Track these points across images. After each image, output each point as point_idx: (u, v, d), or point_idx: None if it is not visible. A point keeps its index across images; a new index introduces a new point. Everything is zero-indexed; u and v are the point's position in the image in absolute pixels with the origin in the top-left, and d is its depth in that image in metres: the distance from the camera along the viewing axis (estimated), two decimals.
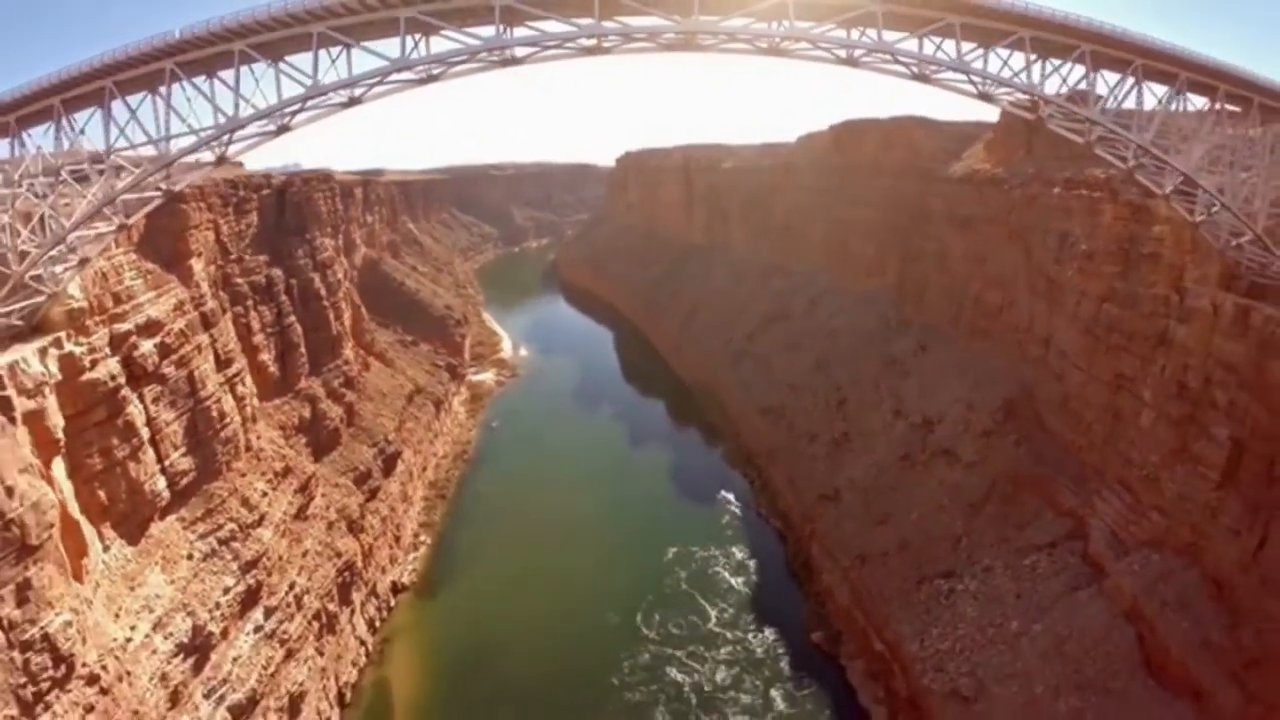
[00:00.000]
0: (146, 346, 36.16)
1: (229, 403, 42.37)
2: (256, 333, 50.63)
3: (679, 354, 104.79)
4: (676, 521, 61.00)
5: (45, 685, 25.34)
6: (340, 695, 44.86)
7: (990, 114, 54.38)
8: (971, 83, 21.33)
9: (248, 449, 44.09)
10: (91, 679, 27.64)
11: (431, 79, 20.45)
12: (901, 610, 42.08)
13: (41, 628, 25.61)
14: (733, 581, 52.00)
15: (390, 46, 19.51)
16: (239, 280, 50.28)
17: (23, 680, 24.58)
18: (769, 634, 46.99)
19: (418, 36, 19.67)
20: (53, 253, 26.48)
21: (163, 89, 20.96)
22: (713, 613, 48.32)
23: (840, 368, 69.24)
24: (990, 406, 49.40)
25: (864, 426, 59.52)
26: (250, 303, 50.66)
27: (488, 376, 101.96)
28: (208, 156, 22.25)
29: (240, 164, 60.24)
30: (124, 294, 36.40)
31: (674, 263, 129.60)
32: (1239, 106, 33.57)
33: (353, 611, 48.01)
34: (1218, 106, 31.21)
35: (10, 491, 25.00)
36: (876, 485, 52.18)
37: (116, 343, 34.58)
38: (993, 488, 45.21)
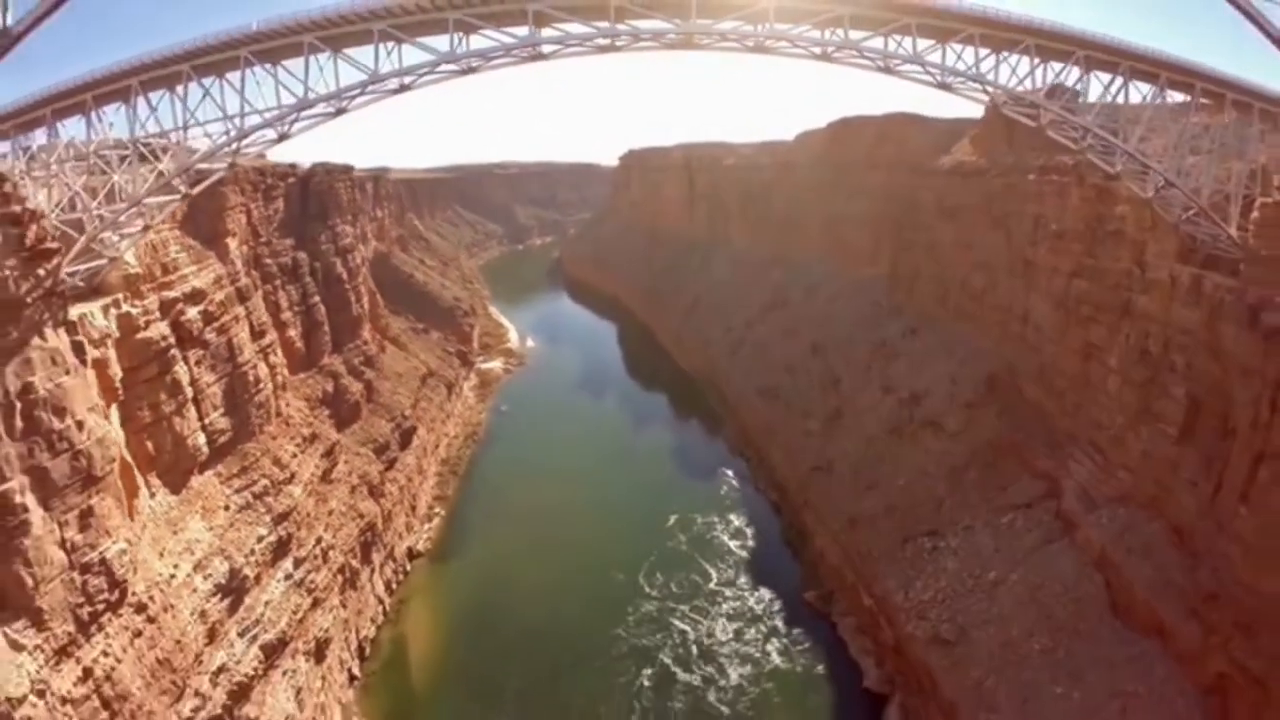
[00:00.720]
0: (192, 313, 39.37)
1: (263, 370, 45.52)
2: (284, 310, 53.83)
3: (681, 344, 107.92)
4: (677, 494, 64.08)
5: (100, 607, 28.27)
6: (360, 648, 47.87)
7: (976, 110, 57.64)
8: (929, 74, 24.46)
9: (278, 415, 47.23)
10: (140, 607, 30.66)
11: (471, 70, 23.60)
12: (888, 567, 45.01)
13: (100, 553, 28.64)
14: (731, 545, 55.07)
15: (436, 42, 22.81)
16: (268, 261, 53.51)
17: (81, 600, 27.55)
18: (765, 593, 49.97)
19: (460, 35, 22.87)
20: (121, 219, 29.65)
21: (234, 74, 24.16)
22: (713, 573, 51.36)
23: (834, 351, 72.29)
24: (974, 381, 52.43)
25: (856, 404, 62.53)
26: (279, 282, 53.87)
27: (495, 365, 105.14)
28: (270, 135, 25.44)
29: (263, 155, 63.64)
30: (170, 265, 39.62)
31: (676, 257, 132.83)
32: (1210, 100, 36.69)
33: (373, 571, 51.05)
34: (1187, 98, 34.32)
35: (80, 425, 28.13)
36: (866, 456, 55.17)
37: (165, 308, 37.76)
38: (974, 455, 48.20)
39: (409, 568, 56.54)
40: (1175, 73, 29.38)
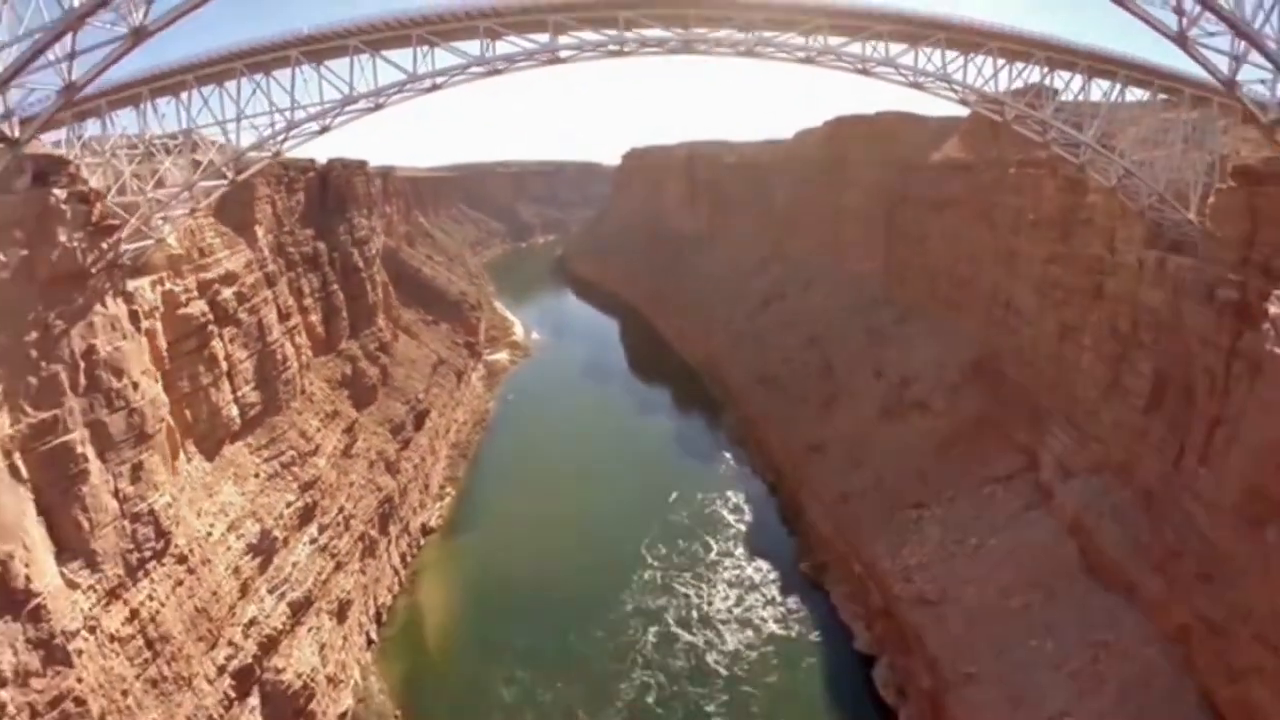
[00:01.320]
0: (226, 293, 42.25)
1: (289, 349, 48.40)
2: (306, 296, 56.69)
3: (683, 337, 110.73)
4: (679, 474, 66.88)
5: (147, 554, 31.05)
6: (377, 614, 50.60)
7: (966, 108, 60.33)
8: (902, 75, 27.23)
9: (302, 392, 50.08)
10: (181, 558, 33.44)
11: (496, 72, 26.47)
12: (876, 536, 47.72)
13: (148, 504, 31.47)
14: (730, 519, 57.85)
15: (467, 46, 25.60)
16: (291, 249, 56.38)
17: (130, 546, 30.34)
18: (762, 564, 52.70)
19: (489, 40, 25.73)
20: (172, 202, 32.50)
21: (282, 72, 26.97)
22: (713, 544, 54.17)
23: (830, 341, 75.06)
24: (959, 364, 55.18)
25: (849, 389, 65.27)
26: (300, 270, 56.75)
27: (502, 356, 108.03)
28: (314, 127, 28.31)
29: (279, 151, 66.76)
30: (206, 249, 42.52)
31: (678, 254, 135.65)
32: (1171, 96, 39.41)
33: (389, 542, 53.83)
34: (1150, 95, 37.03)
35: (135, 386, 31.00)
36: (858, 436, 57.91)
37: (203, 287, 40.64)
38: (959, 432, 50.94)
39: (422, 542, 59.32)
40: (1133, 70, 32.08)
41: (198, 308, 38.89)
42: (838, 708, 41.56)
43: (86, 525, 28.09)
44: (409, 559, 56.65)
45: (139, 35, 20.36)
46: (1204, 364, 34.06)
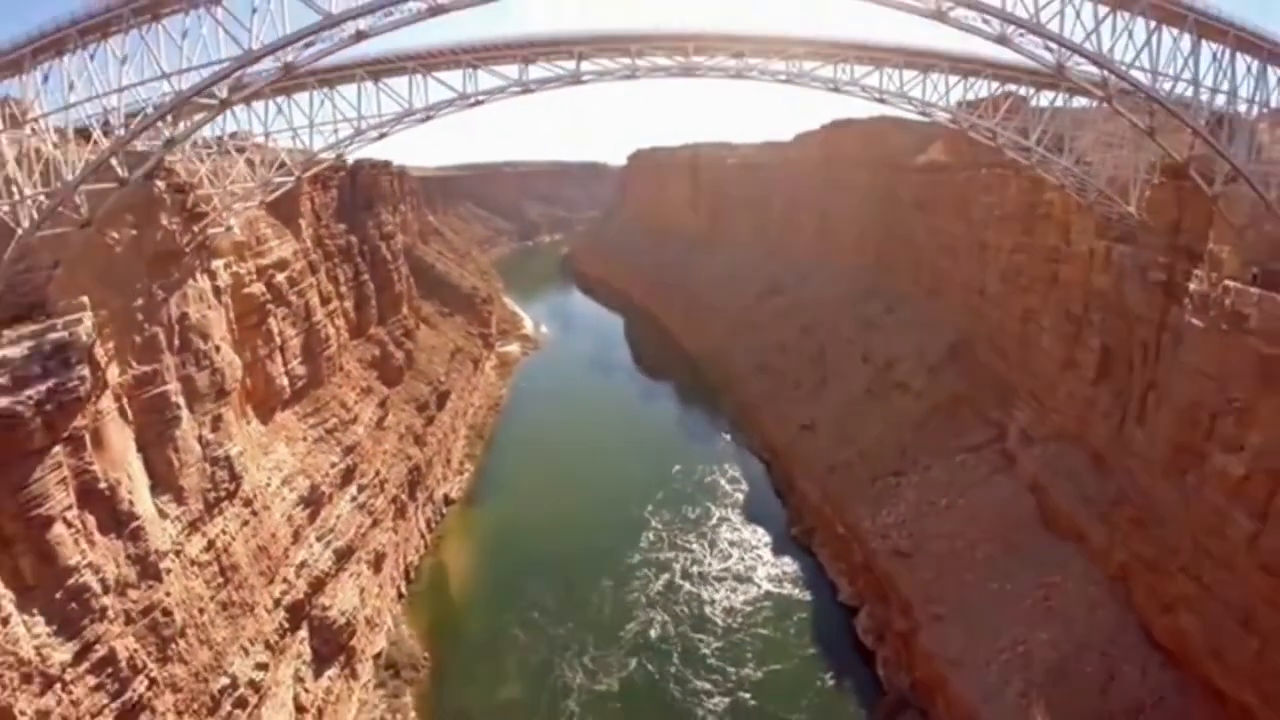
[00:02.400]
0: (279, 277, 47.54)
1: (330, 330, 53.65)
2: (341, 284, 61.95)
3: (686, 330, 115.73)
4: (681, 451, 72.00)
5: (221, 494, 36.19)
6: (406, 571, 55.75)
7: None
8: (866, 92, 32.14)
9: (341, 369, 55.33)
10: (247, 501, 38.60)
11: (529, 91, 31.55)
12: (859, 501, 52.60)
13: (224, 450, 36.67)
14: (728, 489, 62.88)
15: (505, 69, 30.60)
16: (328, 242, 61.72)
17: (209, 486, 35.51)
18: (757, 528, 57.68)
19: (523, 65, 30.78)
20: (250, 195, 37.77)
21: (347, 87, 32.16)
22: (713, 510, 59.20)
23: (823, 330, 79.95)
24: (938, 348, 60.03)
25: (838, 373, 70.17)
26: (336, 260, 62.05)
27: (513, 348, 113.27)
28: (373, 135, 33.47)
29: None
30: (261, 238, 47.82)
31: (681, 251, 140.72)
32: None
33: (417, 507, 59.02)
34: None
35: (217, 349, 36.32)
36: (845, 414, 62.80)
37: (260, 271, 45.89)
38: (935, 409, 55.79)
39: (445, 511, 64.47)
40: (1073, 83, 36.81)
41: (258, 288, 44.16)
42: (824, 653, 46.35)
43: (176, 464, 33.32)
44: (433, 525, 61.82)
45: (289, 74, 25.28)
46: (1139, 337, 38.97)
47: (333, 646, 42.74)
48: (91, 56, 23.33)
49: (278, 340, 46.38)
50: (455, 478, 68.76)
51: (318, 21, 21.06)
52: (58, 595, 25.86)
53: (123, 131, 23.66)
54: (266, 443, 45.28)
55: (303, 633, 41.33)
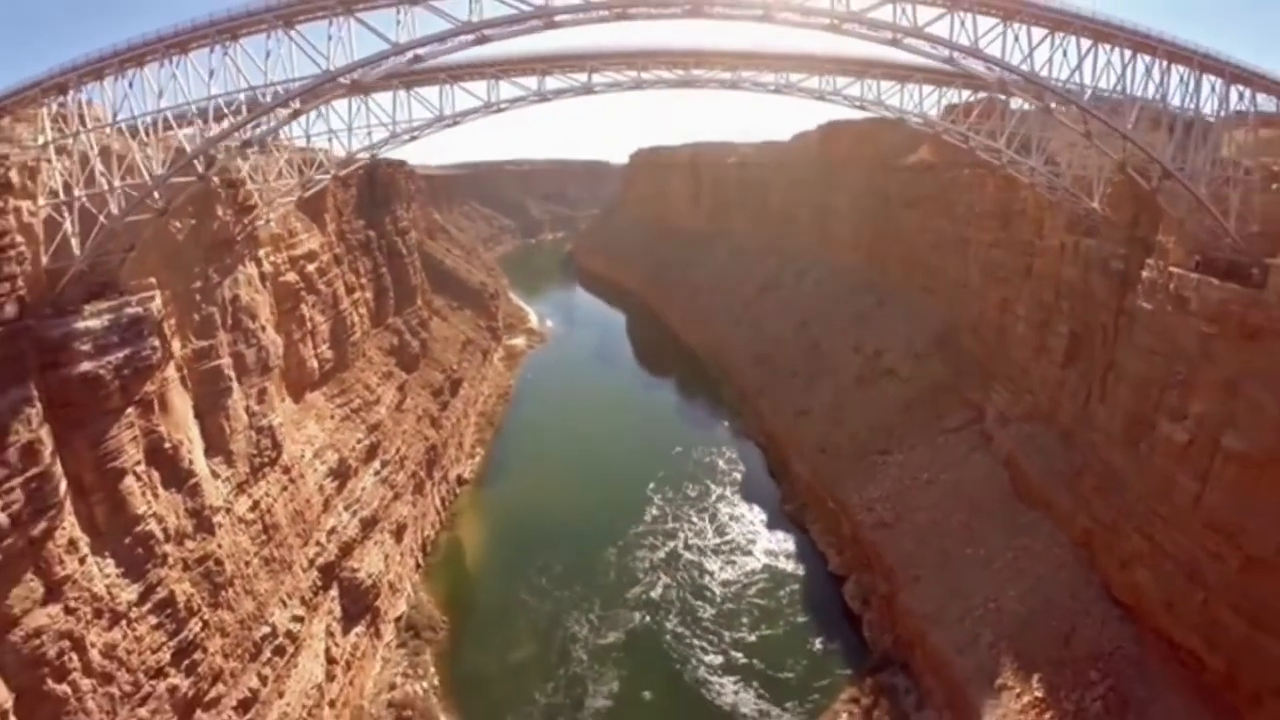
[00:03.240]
0: (310, 267, 51.23)
1: (354, 317, 57.38)
2: (361, 276, 65.64)
3: (686, 324, 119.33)
4: (682, 435, 75.79)
5: (264, 460, 39.87)
6: (424, 544, 59.43)
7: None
8: (846, 100, 35.69)
9: (363, 354, 59.06)
10: (285, 469, 42.31)
11: (545, 99, 35.00)
12: (848, 478, 56.23)
13: (268, 420, 40.38)
14: (726, 469, 66.62)
15: (526, 81, 33.97)
16: (349, 236, 65.35)
17: (254, 452, 39.19)
18: (753, 505, 61.43)
19: (541, 77, 34.28)
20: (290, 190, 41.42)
21: (381, 95, 35.69)
22: (712, 488, 62.86)
23: (818, 323, 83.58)
24: (925, 338, 63.65)
25: (832, 363, 73.80)
26: (356, 254, 65.67)
27: (519, 341, 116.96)
28: (405, 138, 36.99)
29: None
30: (293, 230, 51.53)
31: (682, 248, 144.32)
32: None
33: (434, 485, 62.72)
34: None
35: (263, 329, 40.07)
36: (837, 401, 66.42)
37: (293, 262, 49.58)
38: (921, 394, 59.44)
39: (458, 491, 68.16)
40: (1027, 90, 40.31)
41: (292, 277, 47.87)
42: (813, 618, 49.94)
43: (227, 430, 37.04)
44: (448, 503, 65.50)
45: (354, 88, 28.91)
46: (1101, 322, 42.53)
47: (360, 606, 46.43)
48: (176, 67, 26.96)
49: (309, 325, 50.09)
50: (468, 460, 72.46)
51: (387, 49, 24.67)
52: (126, 541, 29.46)
53: (209, 133, 27.31)
54: (299, 419, 48.98)
55: (333, 592, 45.01)
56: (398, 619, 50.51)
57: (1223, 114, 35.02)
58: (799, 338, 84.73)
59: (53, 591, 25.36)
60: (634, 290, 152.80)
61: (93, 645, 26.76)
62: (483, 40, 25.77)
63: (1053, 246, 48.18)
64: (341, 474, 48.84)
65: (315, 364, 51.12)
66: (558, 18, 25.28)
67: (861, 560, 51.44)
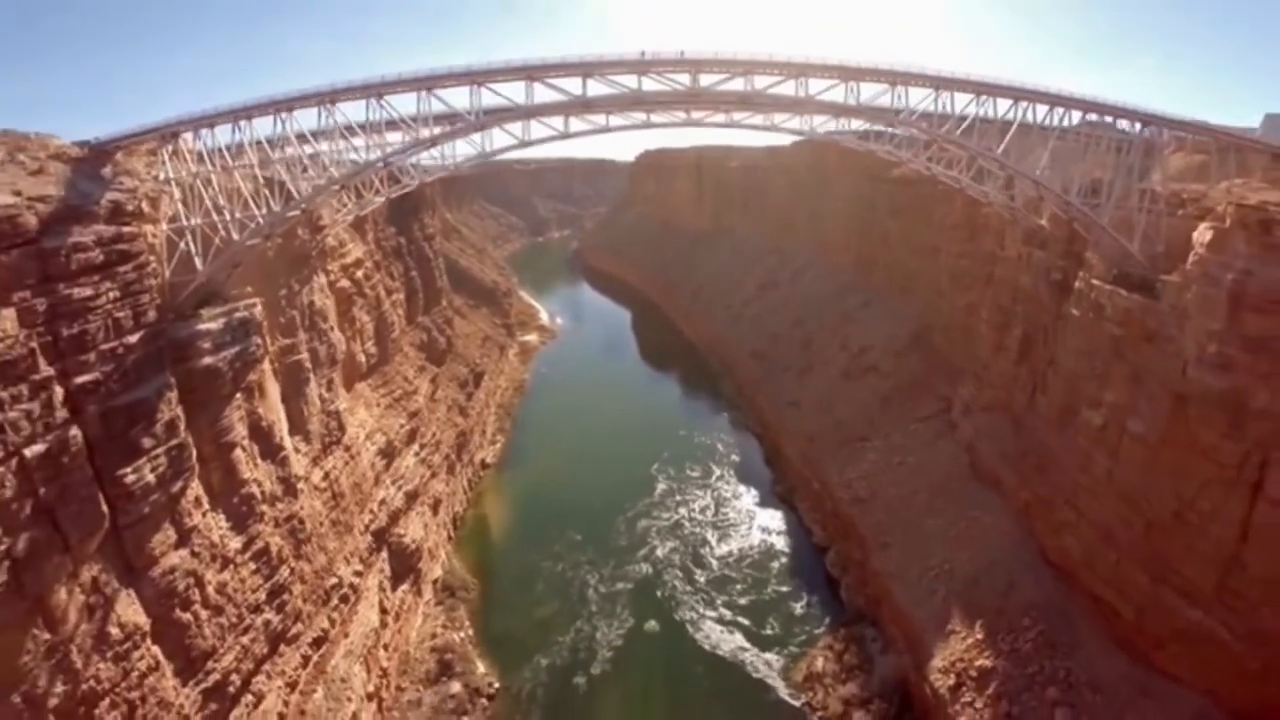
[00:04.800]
0: (358, 274, 58.43)
1: (393, 316, 64.65)
2: (395, 279, 72.91)
3: (689, 320, 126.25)
4: (685, 423, 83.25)
5: (332, 439, 47.17)
6: (454, 519, 66.99)
7: None
8: (823, 134, 42.13)
9: (401, 350, 66.39)
10: (346, 447, 49.65)
11: (567, 137, 41.01)
12: (831, 461, 63.32)
13: (335, 405, 47.70)
14: (724, 453, 73.82)
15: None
16: (384, 242, 72.58)
17: (325, 431, 46.53)
18: (749, 486, 68.69)
19: (566, 118, 40.74)
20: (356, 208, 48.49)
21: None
22: (713, 469, 70.15)
23: (810, 321, 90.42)
24: (904, 337, 70.48)
25: (821, 358, 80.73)
26: (390, 259, 72.93)
27: (532, 337, 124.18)
28: (451, 166, 43.82)
29: None
30: (342, 241, 58.75)
31: (685, 247, 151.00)
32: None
33: (462, 466, 70.21)
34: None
35: (331, 329, 47.32)
36: (825, 393, 73.41)
37: (345, 269, 56.81)
38: (898, 387, 66.34)
39: (482, 474, 75.69)
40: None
41: (345, 283, 55.10)
42: (799, 583, 57.16)
43: (305, 413, 44.37)
44: (474, 484, 73.02)
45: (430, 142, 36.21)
46: (1044, 324, 49.30)
47: (405, 567, 53.96)
48: (285, 124, 34.06)
49: (358, 325, 57.35)
50: (490, 446, 79.94)
51: (463, 124, 31.92)
52: (234, 500, 36.75)
53: (321, 182, 34.56)
54: (350, 407, 56.30)
55: (384, 554, 52.51)
56: (435, 581, 58.05)
57: (1129, 156, 41.30)
58: (793, 335, 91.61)
59: (182, 538, 32.47)
60: (639, 287, 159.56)
61: (209, 583, 33.95)
62: (531, 115, 32.78)
63: (1011, 257, 54.86)
64: (388, 454, 56.26)
65: (363, 358, 58.42)
66: (591, 107, 32.12)
67: (841, 532, 58.63)
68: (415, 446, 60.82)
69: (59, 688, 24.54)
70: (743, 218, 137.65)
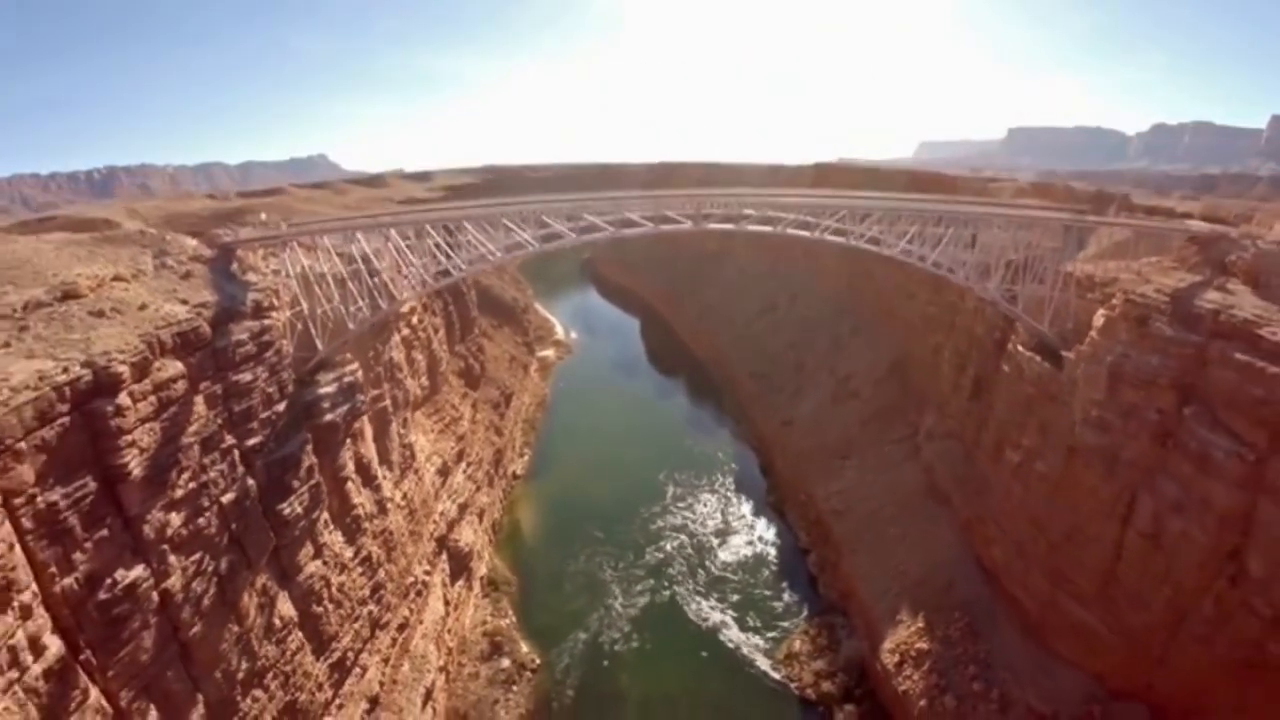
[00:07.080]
0: (415, 320, 69.63)
1: (441, 352, 75.91)
2: (436, 315, 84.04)
3: (695, 337, 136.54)
4: (690, 435, 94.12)
5: (408, 466, 58.54)
6: (494, 525, 78.71)
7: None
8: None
9: (447, 381, 77.76)
10: (416, 471, 61.23)
11: (584, 234, 52.10)
12: (816, 476, 74.13)
13: (409, 439, 59.15)
14: (724, 462, 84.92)
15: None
16: None
17: (402, 461, 58.02)
18: (745, 495, 79.69)
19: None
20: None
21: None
22: (715, 479, 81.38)
23: (803, 345, 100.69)
24: (883, 366, 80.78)
25: (812, 382, 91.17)
26: (432, 297, 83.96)
27: (549, 353, 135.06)
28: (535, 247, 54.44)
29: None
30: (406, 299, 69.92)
31: (694, 265, 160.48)
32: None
33: (499, 479, 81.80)
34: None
35: (406, 378, 58.58)
36: (814, 415, 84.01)
37: (403, 316, 68.01)
38: (876, 413, 76.81)
39: (514, 484, 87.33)
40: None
41: (406, 331, 66.31)
42: (785, 581, 68.06)
43: (389, 448, 55.74)
44: (508, 493, 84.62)
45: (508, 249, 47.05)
46: (989, 372, 59.60)
47: (460, 567, 65.62)
48: (384, 240, 44.98)
49: (415, 364, 68.67)
50: (519, 459, 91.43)
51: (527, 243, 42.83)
52: (346, 520, 48.08)
53: (418, 287, 45.66)
54: (409, 435, 67.93)
55: (444, 556, 64.11)
56: (482, 577, 69.71)
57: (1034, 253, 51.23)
58: (787, 357, 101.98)
59: (317, 551, 43.78)
60: (648, 301, 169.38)
61: (333, 584, 45.39)
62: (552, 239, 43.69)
63: (969, 309, 64.95)
64: (443, 472, 67.77)
65: (419, 392, 69.75)
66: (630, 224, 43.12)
67: (821, 538, 69.61)
68: (463, 464, 72.32)
69: (244, 665, 34.75)
70: (746, 240, 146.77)
